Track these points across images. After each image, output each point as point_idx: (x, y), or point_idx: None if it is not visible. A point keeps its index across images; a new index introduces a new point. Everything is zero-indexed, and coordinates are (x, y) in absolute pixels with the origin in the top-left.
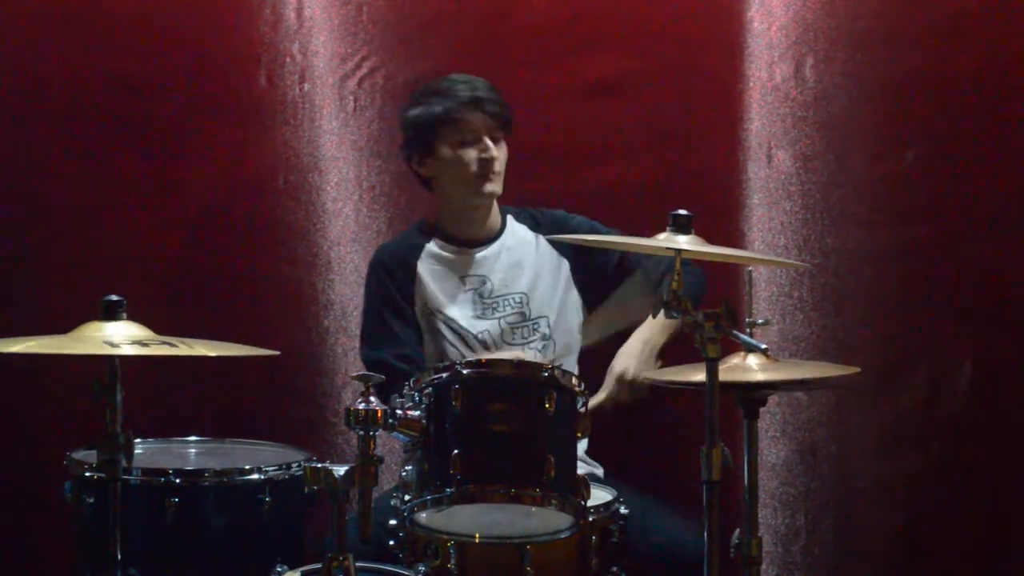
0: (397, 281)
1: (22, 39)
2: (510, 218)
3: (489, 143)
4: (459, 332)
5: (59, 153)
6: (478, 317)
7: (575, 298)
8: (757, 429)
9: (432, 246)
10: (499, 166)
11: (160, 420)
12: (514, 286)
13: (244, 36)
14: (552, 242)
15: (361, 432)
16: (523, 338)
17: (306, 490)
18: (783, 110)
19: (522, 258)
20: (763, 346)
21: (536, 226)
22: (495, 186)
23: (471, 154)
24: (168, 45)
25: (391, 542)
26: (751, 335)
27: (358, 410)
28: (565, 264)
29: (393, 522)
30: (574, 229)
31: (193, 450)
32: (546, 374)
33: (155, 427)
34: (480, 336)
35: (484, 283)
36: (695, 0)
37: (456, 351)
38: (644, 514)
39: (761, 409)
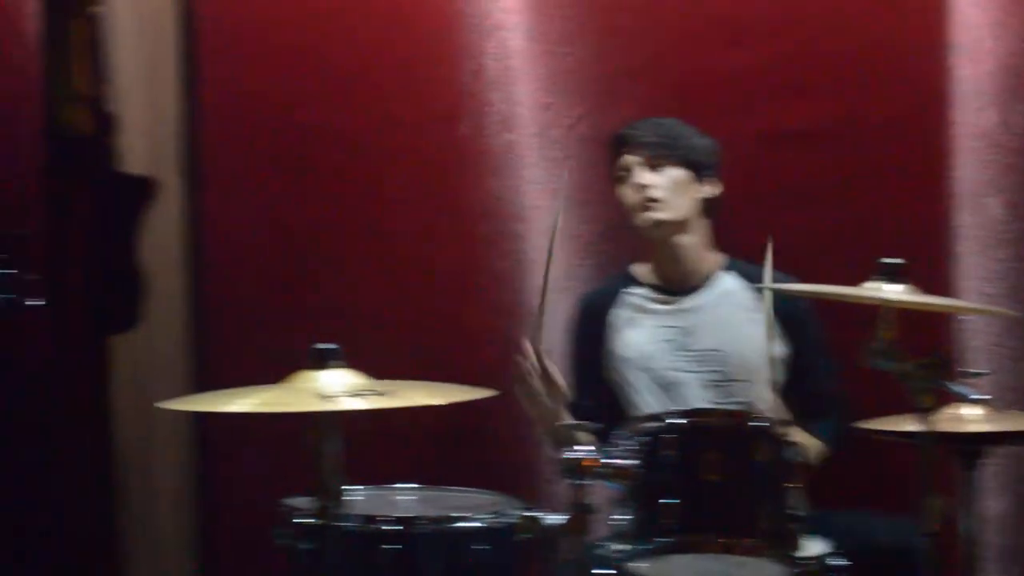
0: (588, 332)
1: (231, 92)
2: (726, 272)
3: (640, 174)
4: (652, 378)
5: (266, 204)
6: (676, 369)
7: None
8: (976, 481)
9: (633, 293)
10: (657, 193)
11: (375, 467)
12: (716, 342)
13: (446, 87)
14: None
15: (574, 481)
16: (721, 397)
17: (519, 538)
18: (991, 157)
19: (730, 314)
20: (977, 396)
21: (750, 281)
22: (655, 214)
23: (627, 189)
24: (372, 96)
25: None
26: (965, 386)
27: (571, 459)
28: (782, 341)
29: (602, 571)
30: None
31: (408, 497)
32: (757, 424)
33: (370, 474)
34: (670, 383)
35: (685, 334)
36: (897, 46)
37: (651, 401)
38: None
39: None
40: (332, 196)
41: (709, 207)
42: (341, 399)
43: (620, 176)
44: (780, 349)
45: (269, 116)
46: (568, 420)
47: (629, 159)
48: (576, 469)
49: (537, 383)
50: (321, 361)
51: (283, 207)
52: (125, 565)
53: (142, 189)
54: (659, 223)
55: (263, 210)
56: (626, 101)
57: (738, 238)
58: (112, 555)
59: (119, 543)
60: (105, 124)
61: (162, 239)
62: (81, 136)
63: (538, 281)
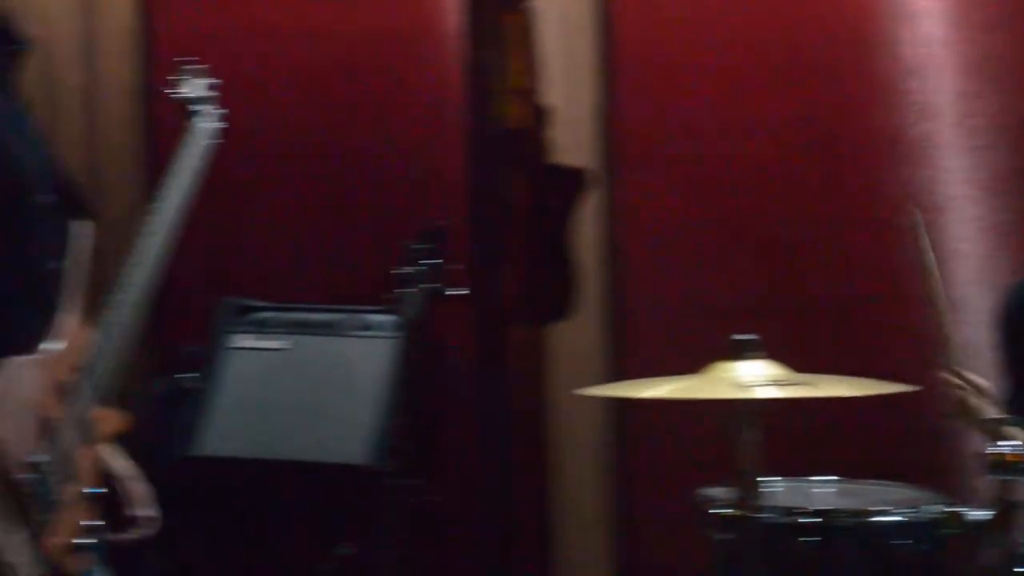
0: (1011, 324)
1: (647, 85)
2: None
3: None
4: None
5: (682, 195)
6: None
7: None
8: None
9: None
10: None
11: (793, 459)
12: None
13: (862, 75)
14: None
15: (1000, 477)
16: None
17: (941, 534)
18: None
19: None
20: None
21: None
22: None
23: None
24: (786, 84)
25: None
26: None
27: (998, 454)
28: None
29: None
30: None
31: (827, 489)
32: None
33: (788, 466)
34: None
35: None
36: None
37: None
38: None
39: None
40: (748, 187)
41: None
42: (758, 388)
43: None
44: None
45: (685, 109)
46: (995, 414)
47: None
48: (1002, 464)
49: (969, 405)
50: (740, 352)
51: (700, 198)
52: (553, 543)
53: (577, 180)
54: None
55: (679, 201)
56: None
57: None
58: (543, 533)
59: (549, 521)
60: (539, 116)
61: (580, 229)
62: (517, 129)
63: (957, 273)
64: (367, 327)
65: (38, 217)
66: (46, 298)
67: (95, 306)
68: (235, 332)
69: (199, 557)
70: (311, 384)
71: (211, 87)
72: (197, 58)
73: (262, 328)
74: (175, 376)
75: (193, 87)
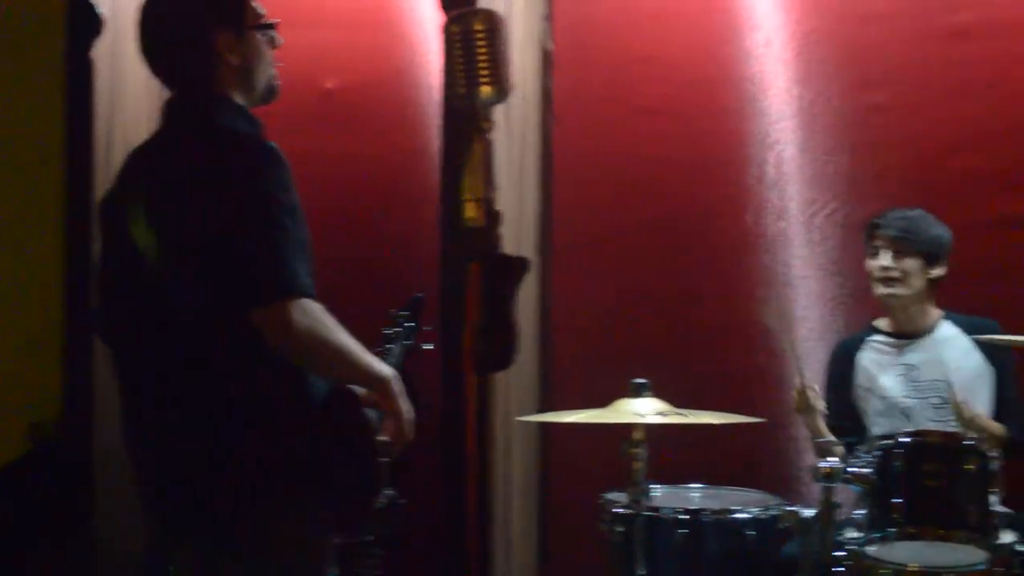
0: (839, 368)
1: (579, 193)
2: (945, 321)
3: (885, 255)
4: (889, 404)
5: (598, 274)
6: (907, 397)
7: (992, 402)
8: None
9: (874, 340)
10: (895, 274)
11: (674, 470)
12: (938, 375)
13: (737, 186)
14: (984, 350)
15: (824, 484)
16: (943, 417)
17: (781, 527)
18: None
19: (948, 354)
20: None
21: (969, 330)
22: (889, 290)
23: (873, 264)
24: (684, 189)
25: (840, 569)
26: None
27: (822, 467)
28: (991, 372)
29: (839, 553)
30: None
31: (696, 495)
32: (968, 443)
33: (670, 475)
34: (904, 408)
35: (912, 369)
36: None
37: (884, 421)
38: None
39: None
40: (646, 272)
41: (936, 282)
42: (648, 418)
43: (870, 252)
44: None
45: (609, 208)
46: (826, 438)
47: (878, 242)
48: (826, 475)
49: (808, 407)
50: (636, 391)
51: (611, 279)
52: (488, 547)
53: (519, 266)
54: (894, 296)
55: (595, 280)
56: (874, 198)
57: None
58: (481, 539)
59: (486, 529)
60: (492, 218)
61: (522, 301)
62: (474, 227)
63: (802, 332)
64: None
65: None
66: None
67: None
68: None
69: None
70: None
71: None
72: None
73: None
74: None
75: None
